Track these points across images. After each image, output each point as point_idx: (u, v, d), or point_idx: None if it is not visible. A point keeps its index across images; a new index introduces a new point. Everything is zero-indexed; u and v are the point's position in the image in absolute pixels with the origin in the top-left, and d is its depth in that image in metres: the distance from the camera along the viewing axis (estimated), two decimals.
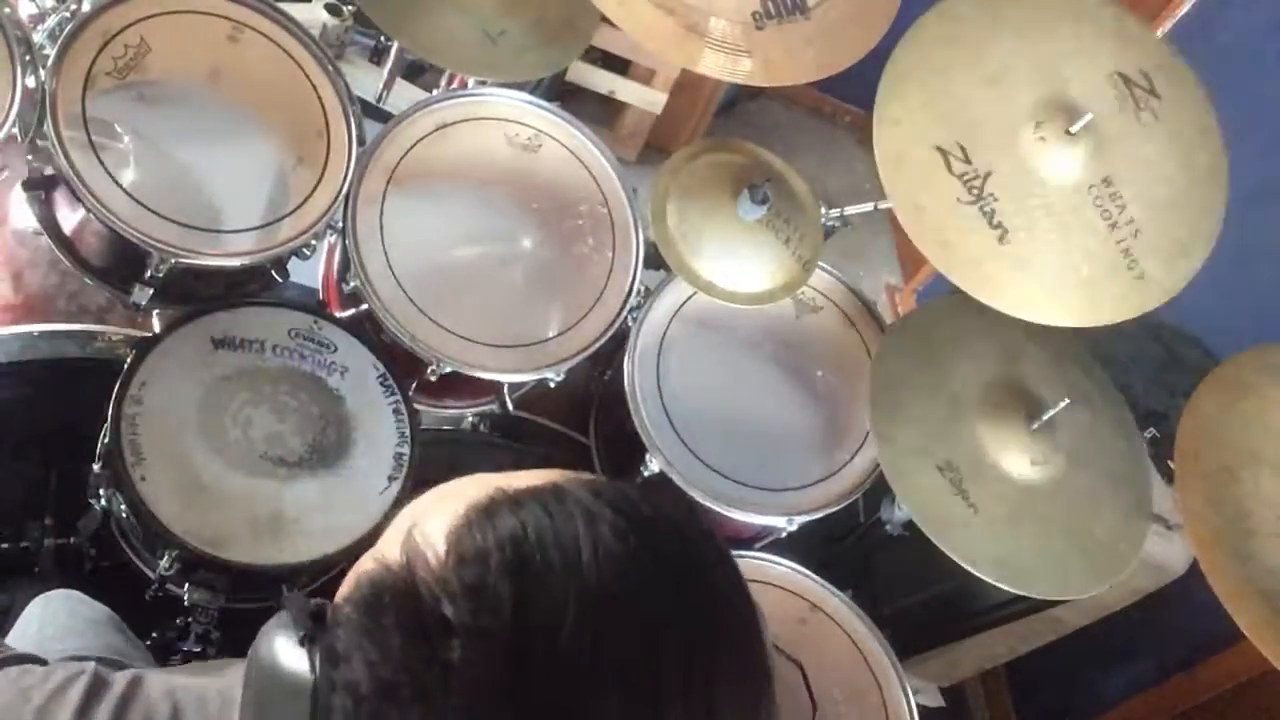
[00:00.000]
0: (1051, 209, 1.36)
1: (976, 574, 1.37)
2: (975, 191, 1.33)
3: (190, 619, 1.37)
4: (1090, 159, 1.38)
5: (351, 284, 1.47)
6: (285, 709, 0.51)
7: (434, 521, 0.54)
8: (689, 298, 1.68)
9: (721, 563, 0.58)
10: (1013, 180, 1.35)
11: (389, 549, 0.55)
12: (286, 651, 0.53)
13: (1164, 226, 1.40)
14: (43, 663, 0.69)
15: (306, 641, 0.53)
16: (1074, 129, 1.35)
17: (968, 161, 1.33)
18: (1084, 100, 1.38)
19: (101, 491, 1.36)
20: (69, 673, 0.65)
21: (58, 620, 1.17)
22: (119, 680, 0.66)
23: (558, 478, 0.57)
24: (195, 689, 0.66)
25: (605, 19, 1.39)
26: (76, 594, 1.24)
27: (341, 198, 1.47)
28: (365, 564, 0.56)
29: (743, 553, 1.54)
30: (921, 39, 1.35)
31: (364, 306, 1.48)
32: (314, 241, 1.47)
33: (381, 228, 1.51)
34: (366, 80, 1.95)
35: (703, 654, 0.52)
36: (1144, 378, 2.05)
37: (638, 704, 0.50)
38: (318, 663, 0.52)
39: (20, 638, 1.15)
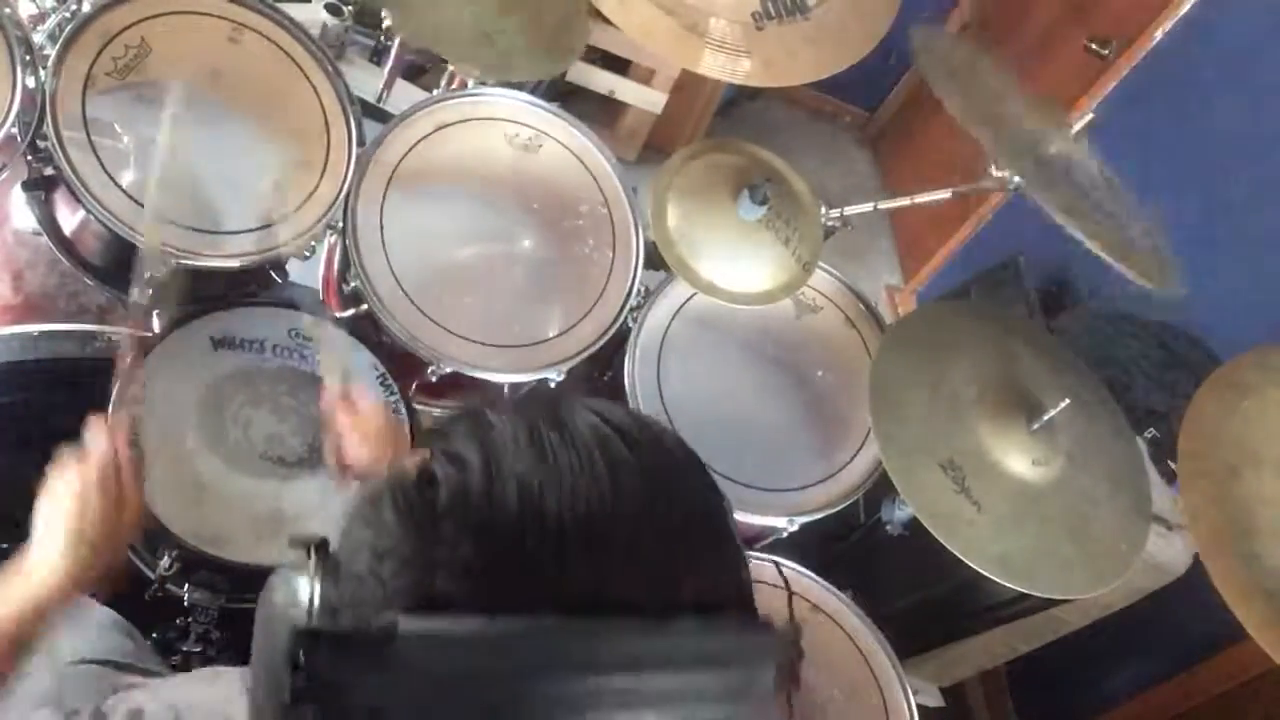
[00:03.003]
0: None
1: (980, 571, 1.37)
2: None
3: (190, 619, 1.37)
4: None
5: (352, 284, 1.47)
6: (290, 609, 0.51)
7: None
8: (689, 298, 1.68)
9: (690, 469, 0.59)
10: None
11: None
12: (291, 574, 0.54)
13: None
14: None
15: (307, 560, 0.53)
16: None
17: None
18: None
19: None
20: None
21: (65, 625, 1.17)
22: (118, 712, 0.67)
23: None
24: (199, 706, 0.67)
25: (605, 19, 1.39)
26: (82, 598, 1.24)
27: (341, 198, 1.47)
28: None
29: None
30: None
31: (364, 306, 1.48)
32: (314, 241, 1.47)
33: (381, 228, 1.51)
34: (366, 80, 1.95)
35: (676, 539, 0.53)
36: (1145, 378, 2.05)
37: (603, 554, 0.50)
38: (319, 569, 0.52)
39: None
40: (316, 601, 0.50)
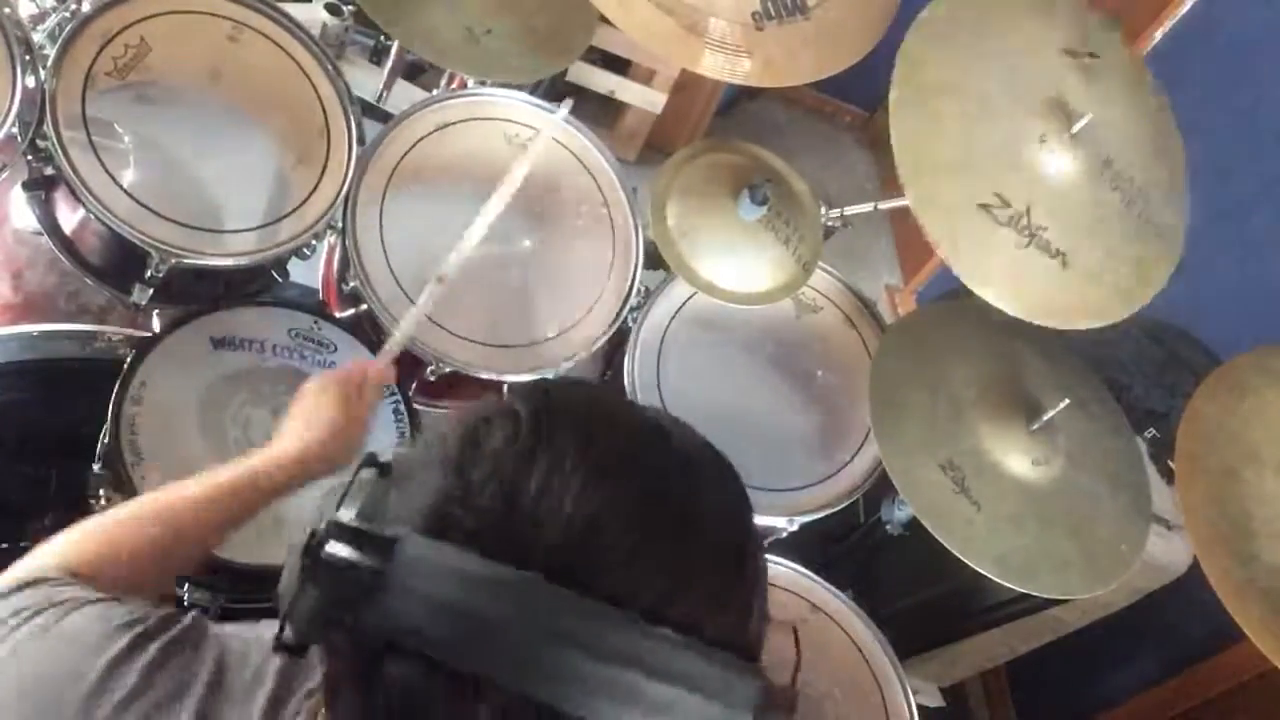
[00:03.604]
0: (1086, 211, 1.39)
1: (980, 571, 1.37)
2: (1026, 232, 1.35)
3: None
4: (1092, 150, 1.40)
5: (351, 284, 1.47)
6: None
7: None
8: (689, 298, 1.68)
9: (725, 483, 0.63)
10: (1048, 204, 1.37)
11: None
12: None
13: (1156, 178, 1.45)
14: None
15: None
16: (1075, 130, 1.37)
17: (1007, 205, 1.36)
18: (1060, 93, 1.41)
19: (101, 491, 1.36)
20: (141, 613, 0.69)
21: None
22: (180, 623, 0.70)
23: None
24: (240, 639, 0.71)
25: (605, 19, 1.39)
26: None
27: (341, 198, 1.47)
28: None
29: None
30: (904, 104, 1.35)
31: (364, 306, 1.48)
32: (314, 241, 1.47)
33: (381, 228, 1.51)
34: (366, 80, 1.95)
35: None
36: (1145, 378, 2.05)
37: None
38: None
39: None
40: (346, 495, 0.54)
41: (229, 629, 0.73)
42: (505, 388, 1.60)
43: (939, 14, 1.37)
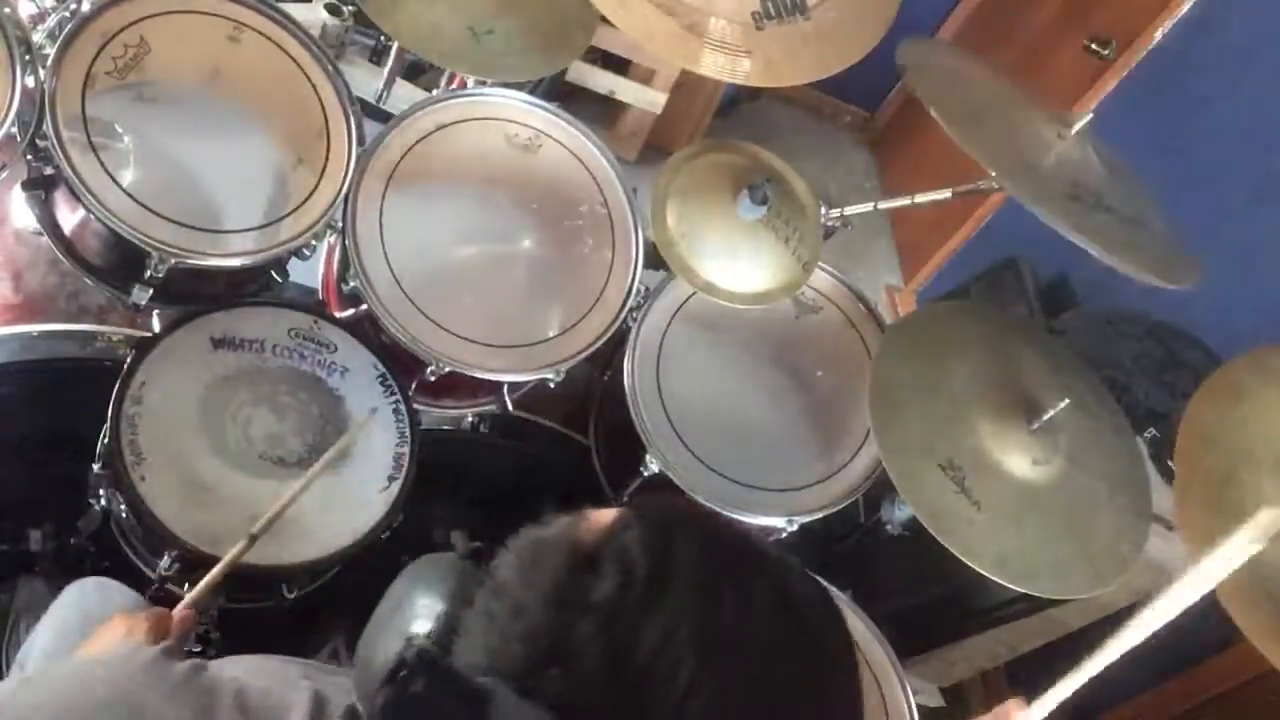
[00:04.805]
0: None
1: (980, 571, 1.37)
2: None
3: None
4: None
5: (351, 284, 1.47)
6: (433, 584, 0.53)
7: (601, 514, 0.56)
8: (689, 298, 1.68)
9: (848, 655, 0.59)
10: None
11: (547, 528, 0.57)
12: (439, 564, 0.55)
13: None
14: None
15: (463, 557, 0.56)
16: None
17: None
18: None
19: (101, 491, 1.36)
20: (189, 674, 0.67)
21: (97, 609, 1.18)
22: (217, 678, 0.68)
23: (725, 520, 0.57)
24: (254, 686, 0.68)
25: (605, 19, 1.39)
26: (110, 582, 1.25)
27: (341, 198, 1.47)
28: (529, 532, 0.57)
29: None
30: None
31: (364, 306, 1.48)
32: (314, 241, 1.47)
33: (381, 228, 1.51)
34: (366, 80, 1.95)
35: None
36: (1145, 378, 2.05)
37: None
38: (464, 586, 0.54)
39: (61, 628, 1.16)
40: (441, 622, 0.52)
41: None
42: (507, 385, 1.60)
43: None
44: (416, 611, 0.52)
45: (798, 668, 0.52)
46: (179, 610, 1.10)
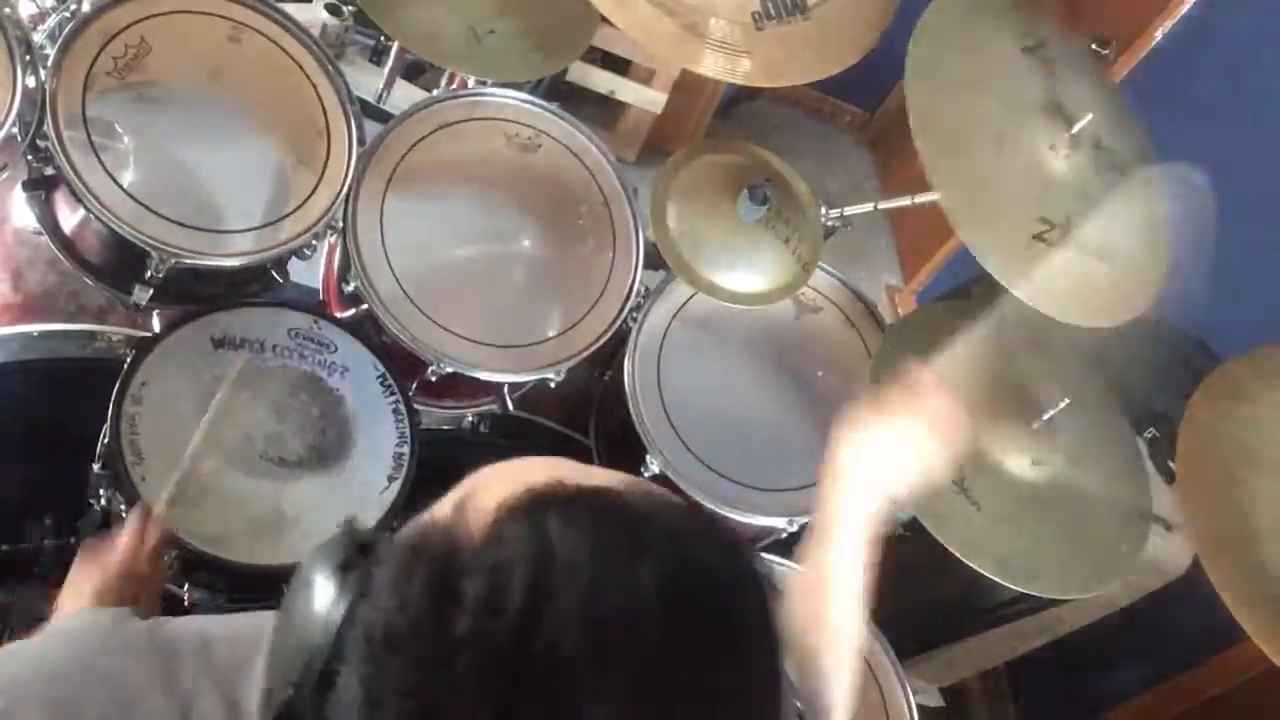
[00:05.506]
0: (1104, 196, 1.42)
1: (980, 571, 1.37)
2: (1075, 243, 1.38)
3: None
4: (1088, 141, 1.44)
5: (351, 284, 1.47)
6: (307, 631, 0.53)
7: (493, 491, 0.53)
8: (689, 298, 1.68)
9: (763, 635, 0.53)
10: (1078, 205, 1.40)
11: (445, 505, 0.55)
12: (323, 578, 0.55)
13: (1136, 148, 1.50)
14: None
15: (340, 571, 0.54)
16: (1075, 130, 1.39)
17: (1053, 226, 1.38)
18: (1046, 97, 1.43)
19: (101, 491, 1.36)
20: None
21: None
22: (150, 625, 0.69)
23: (624, 488, 0.54)
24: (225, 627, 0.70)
25: (605, 19, 1.39)
26: None
27: (341, 198, 1.47)
28: (428, 512, 0.56)
29: None
30: (933, 152, 1.36)
31: (364, 306, 1.48)
32: (314, 241, 1.47)
33: (381, 228, 1.51)
34: (366, 80, 1.95)
35: None
36: (1146, 378, 2.05)
37: None
38: (346, 594, 0.53)
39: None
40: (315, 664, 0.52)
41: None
42: (507, 385, 1.59)
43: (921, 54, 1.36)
44: (312, 615, 0.53)
45: (700, 660, 0.49)
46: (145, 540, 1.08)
